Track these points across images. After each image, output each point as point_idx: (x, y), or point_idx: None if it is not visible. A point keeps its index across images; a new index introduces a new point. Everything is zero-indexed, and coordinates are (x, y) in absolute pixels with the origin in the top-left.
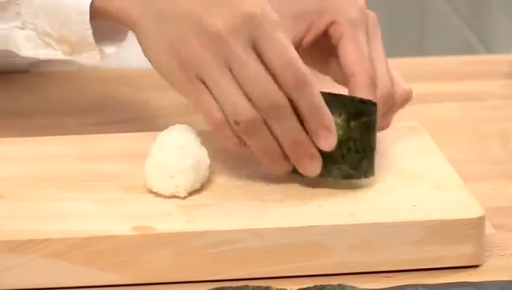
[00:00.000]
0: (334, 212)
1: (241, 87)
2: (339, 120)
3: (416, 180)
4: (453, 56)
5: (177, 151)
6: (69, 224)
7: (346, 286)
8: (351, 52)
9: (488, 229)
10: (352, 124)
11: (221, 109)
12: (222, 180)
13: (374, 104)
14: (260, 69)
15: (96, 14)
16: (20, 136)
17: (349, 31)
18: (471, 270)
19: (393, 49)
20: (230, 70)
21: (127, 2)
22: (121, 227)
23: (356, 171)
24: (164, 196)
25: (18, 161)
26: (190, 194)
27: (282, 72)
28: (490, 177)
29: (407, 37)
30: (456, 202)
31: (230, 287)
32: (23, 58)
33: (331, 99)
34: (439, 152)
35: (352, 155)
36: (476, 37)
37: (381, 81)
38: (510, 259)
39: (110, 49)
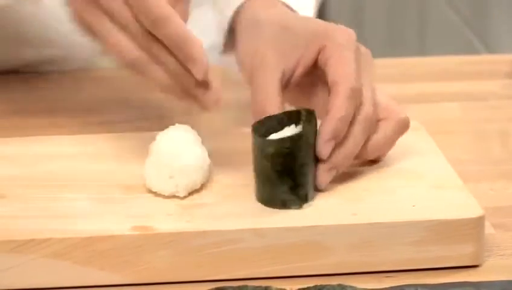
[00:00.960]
0: (334, 212)
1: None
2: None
3: (416, 180)
4: (454, 56)
5: (177, 151)
6: (70, 224)
7: (345, 286)
8: (337, 66)
9: (488, 229)
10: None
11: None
12: (222, 180)
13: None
14: (129, 17)
15: None
16: (21, 136)
17: (337, 52)
18: (471, 270)
19: (394, 49)
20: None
21: None
22: (121, 227)
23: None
24: (164, 195)
25: (18, 161)
26: (190, 194)
27: (140, 16)
28: (490, 177)
29: (407, 37)
30: (456, 202)
31: (230, 287)
32: (22, 58)
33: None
34: (439, 152)
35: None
36: (477, 37)
37: (366, 106)
38: (510, 259)
39: None
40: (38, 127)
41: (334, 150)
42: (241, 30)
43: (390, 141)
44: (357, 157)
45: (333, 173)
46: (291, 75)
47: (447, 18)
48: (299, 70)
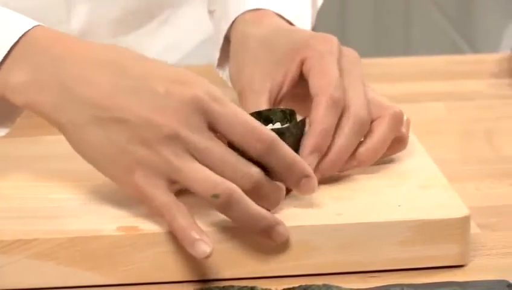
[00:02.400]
0: (321, 212)
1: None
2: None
3: (401, 180)
4: (439, 56)
5: None
6: (56, 224)
7: (331, 285)
8: (317, 77)
9: (474, 229)
10: None
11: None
12: None
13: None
14: (224, 150)
15: None
16: (6, 137)
17: (317, 61)
18: (457, 270)
19: (380, 49)
20: (196, 158)
21: (42, 100)
22: (107, 227)
23: None
24: None
25: (4, 161)
26: (175, 195)
27: (247, 143)
28: (476, 177)
29: (393, 37)
30: (441, 201)
31: (216, 287)
32: None
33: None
34: (424, 152)
35: None
36: (462, 37)
37: (355, 109)
38: (495, 259)
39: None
40: (25, 128)
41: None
42: (232, 46)
43: (387, 139)
44: (355, 163)
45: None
46: (279, 91)
47: (432, 18)
48: (286, 85)
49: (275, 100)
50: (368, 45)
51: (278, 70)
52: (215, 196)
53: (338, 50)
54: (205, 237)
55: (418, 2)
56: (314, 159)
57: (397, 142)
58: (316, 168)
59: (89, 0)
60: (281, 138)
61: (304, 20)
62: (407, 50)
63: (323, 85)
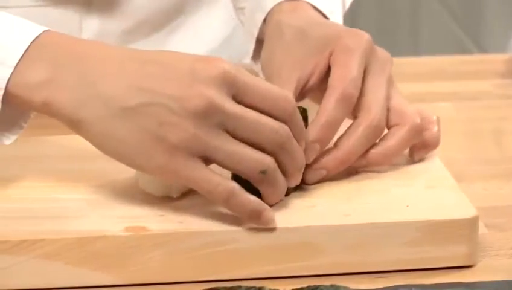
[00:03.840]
0: (328, 213)
1: (244, 141)
2: None
3: (409, 180)
4: (446, 56)
5: None
6: (62, 224)
7: (339, 286)
8: (336, 70)
9: (481, 229)
10: None
11: (236, 170)
12: None
13: None
14: (254, 114)
15: (7, 99)
16: None
17: (342, 56)
18: (465, 271)
19: (387, 50)
20: (227, 131)
21: (62, 97)
22: (114, 228)
23: None
24: (157, 196)
25: (10, 161)
26: (183, 194)
27: (275, 107)
28: (483, 177)
29: (401, 37)
30: (449, 202)
31: (223, 288)
32: None
33: None
34: (432, 152)
35: None
36: (469, 38)
37: (370, 113)
38: (503, 259)
39: (8, 140)
40: (30, 127)
41: (326, 152)
42: (266, 33)
43: (401, 148)
44: (364, 162)
45: (321, 173)
46: (307, 83)
47: (440, 18)
48: (314, 77)
49: (302, 91)
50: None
51: (308, 61)
52: (263, 172)
53: (368, 47)
54: (265, 205)
55: (425, 2)
56: (314, 150)
57: (424, 147)
58: (320, 162)
59: (101, 12)
60: None
61: (336, 17)
62: (414, 50)
63: (339, 78)
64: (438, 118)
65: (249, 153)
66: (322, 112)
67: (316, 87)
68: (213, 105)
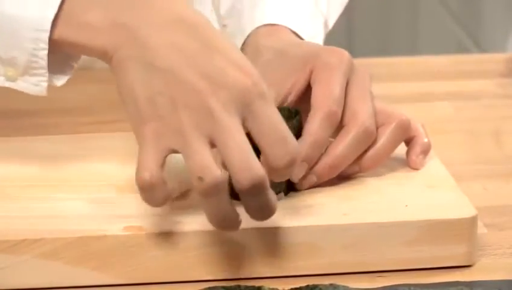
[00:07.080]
0: (327, 212)
1: (221, 155)
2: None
3: (408, 180)
4: (446, 55)
5: None
6: (62, 224)
7: (338, 285)
8: (319, 88)
9: (481, 228)
10: None
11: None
12: None
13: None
14: (246, 145)
15: (53, 45)
16: (12, 136)
17: (323, 73)
18: (464, 270)
19: (387, 49)
20: (212, 140)
21: (105, 38)
22: (113, 227)
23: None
24: None
25: (10, 161)
26: (181, 194)
27: (272, 150)
28: (483, 176)
29: (400, 37)
30: (449, 201)
31: (222, 287)
32: None
33: None
34: (431, 152)
35: None
36: (469, 37)
37: (360, 117)
38: (502, 258)
39: (59, 81)
40: (32, 126)
41: (319, 159)
42: (246, 56)
43: (391, 146)
44: (357, 168)
45: (312, 178)
46: (284, 100)
47: (439, 18)
48: (293, 95)
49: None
50: (374, 44)
51: (287, 79)
52: (200, 179)
53: (347, 64)
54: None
55: (424, 1)
56: (302, 168)
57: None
58: (311, 173)
59: None
60: None
61: (317, 41)
62: (413, 50)
63: (322, 97)
64: (423, 125)
65: (204, 157)
66: (308, 131)
67: (295, 104)
68: (209, 112)
